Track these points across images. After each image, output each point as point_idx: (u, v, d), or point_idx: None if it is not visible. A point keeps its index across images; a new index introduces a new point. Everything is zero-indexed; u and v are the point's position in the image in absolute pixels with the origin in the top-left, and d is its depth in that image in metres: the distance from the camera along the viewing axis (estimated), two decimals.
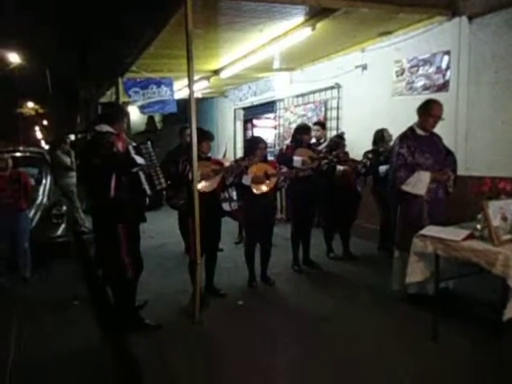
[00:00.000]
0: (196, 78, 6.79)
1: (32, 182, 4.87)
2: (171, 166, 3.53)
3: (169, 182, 3.15)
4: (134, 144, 3.14)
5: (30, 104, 20.12)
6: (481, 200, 2.60)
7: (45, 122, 25.23)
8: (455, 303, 3.29)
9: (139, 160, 2.98)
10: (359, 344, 2.86)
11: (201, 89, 7.90)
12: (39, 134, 28.02)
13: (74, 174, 6.78)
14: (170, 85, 6.41)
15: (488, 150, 4.33)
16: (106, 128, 3.04)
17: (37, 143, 24.23)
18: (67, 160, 6.76)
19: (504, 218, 2.57)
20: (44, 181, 5.79)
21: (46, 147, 16.67)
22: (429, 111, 3.38)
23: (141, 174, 3.02)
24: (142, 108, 6.41)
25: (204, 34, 4.57)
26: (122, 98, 6.20)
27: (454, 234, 2.74)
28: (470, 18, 4.40)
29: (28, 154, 6.37)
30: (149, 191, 3.05)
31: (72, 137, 14.39)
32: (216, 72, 6.71)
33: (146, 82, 6.24)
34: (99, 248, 3.27)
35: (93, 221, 3.21)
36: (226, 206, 4.73)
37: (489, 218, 2.52)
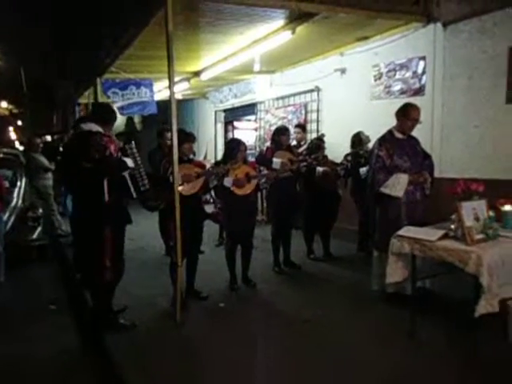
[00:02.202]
0: (176, 79, 6.74)
1: (6, 184, 4.74)
2: (152, 167, 3.50)
3: (148, 187, 3.10)
4: (120, 144, 3.09)
5: (4, 104, 19.53)
6: (455, 201, 2.69)
7: (19, 123, 24.54)
8: (431, 301, 3.38)
9: (129, 163, 2.94)
10: (340, 344, 2.90)
11: (181, 90, 7.86)
12: (13, 135, 27.23)
13: (50, 175, 6.62)
14: (149, 86, 6.36)
15: (461, 153, 4.48)
16: (96, 127, 2.95)
17: (11, 144, 23.53)
18: (44, 161, 6.60)
19: (476, 219, 2.66)
20: (19, 183, 5.63)
21: (21, 148, 16.20)
22: (407, 115, 3.46)
23: (127, 175, 2.98)
24: (121, 109, 6.32)
25: (184, 36, 4.56)
26: (101, 99, 6.10)
27: (429, 234, 2.81)
28: (445, 25, 4.56)
29: (2, 156, 6.19)
30: (134, 194, 3.02)
31: (48, 137, 14.05)
32: (197, 73, 6.69)
33: (126, 83, 6.17)
34: (80, 251, 3.20)
35: (77, 223, 3.12)
36: (208, 209, 4.73)
37: (462, 218, 2.61)
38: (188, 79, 7.00)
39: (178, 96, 8.36)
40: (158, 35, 3.99)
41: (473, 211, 2.67)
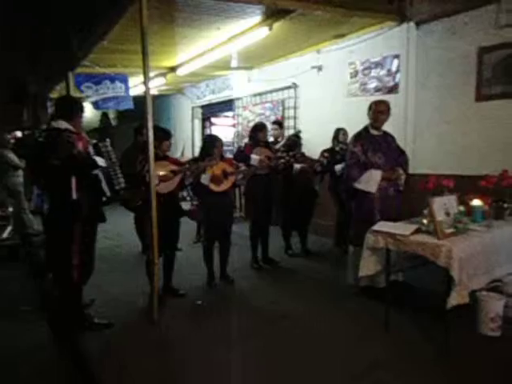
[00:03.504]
0: (152, 74, 6.66)
1: None
2: (128, 166, 3.43)
3: (123, 185, 3.05)
4: (94, 142, 3.02)
5: None
6: (427, 196, 2.77)
7: None
8: (405, 294, 3.48)
9: (100, 162, 2.87)
10: (317, 337, 2.95)
11: (157, 86, 7.74)
12: None
13: (21, 173, 6.40)
14: (124, 81, 6.23)
15: (433, 150, 4.61)
16: (64, 125, 2.88)
17: None
18: (14, 158, 6.37)
19: (447, 213, 2.75)
20: None
21: None
22: (374, 109, 3.56)
23: (100, 174, 2.91)
24: (95, 104, 6.18)
25: (160, 30, 4.48)
26: (74, 93, 5.93)
27: (403, 228, 2.89)
28: (417, 24, 4.65)
29: None
30: (108, 192, 2.96)
31: (18, 133, 13.55)
32: (173, 69, 6.60)
33: (100, 78, 6.03)
34: (50, 249, 3.12)
35: (46, 221, 3.05)
36: (185, 206, 4.69)
37: (433, 213, 2.68)
38: (164, 74, 6.89)
39: (154, 91, 8.23)
40: (132, 29, 3.91)
41: (444, 206, 2.75)
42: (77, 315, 3.07)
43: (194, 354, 2.78)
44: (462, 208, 2.91)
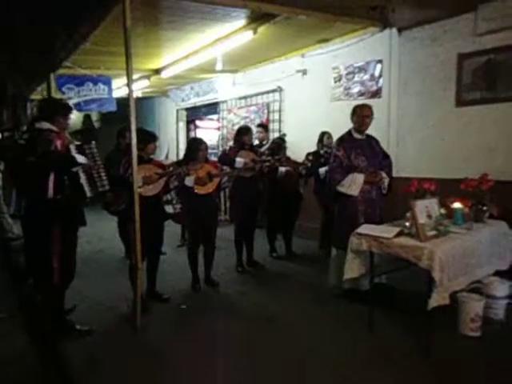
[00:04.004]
0: (136, 76, 6.59)
1: None
2: (111, 168, 3.39)
3: (108, 188, 3.00)
4: (78, 143, 2.97)
5: None
6: (409, 199, 2.81)
7: None
8: (388, 296, 3.52)
9: (80, 159, 2.82)
10: (302, 340, 2.95)
11: (141, 88, 7.66)
12: None
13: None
14: (107, 83, 6.16)
15: (416, 154, 4.69)
16: (46, 125, 2.84)
17: None
18: None
19: (429, 216, 2.80)
20: None
21: None
22: (358, 113, 3.59)
23: (82, 174, 2.87)
24: (77, 106, 6.07)
25: (144, 32, 4.44)
26: (55, 95, 5.82)
27: (386, 231, 2.92)
28: (400, 31, 4.75)
29: None
30: (89, 193, 2.91)
31: None
32: (157, 71, 6.55)
33: (82, 79, 5.95)
34: (29, 253, 3.04)
35: (24, 223, 2.98)
36: (168, 209, 4.64)
37: (416, 216, 2.73)
38: (148, 77, 6.84)
39: (138, 94, 8.15)
40: (115, 31, 3.86)
41: (425, 209, 2.80)
42: (57, 321, 3.00)
43: (179, 359, 2.75)
44: (443, 211, 2.97)
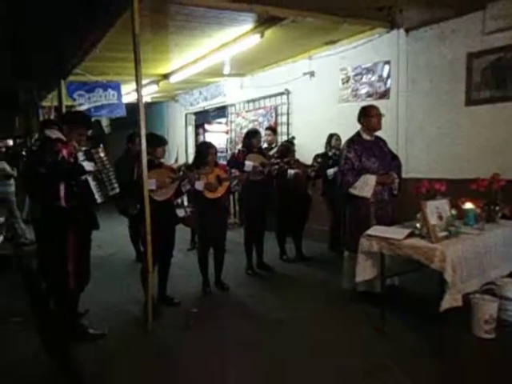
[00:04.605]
0: (145, 82, 6.66)
1: None
2: (122, 173, 3.43)
3: (118, 190, 3.04)
4: (84, 148, 3.01)
5: None
6: (419, 200, 2.79)
7: None
8: (400, 298, 3.49)
9: (88, 167, 2.87)
10: (314, 343, 2.94)
11: (150, 93, 7.74)
12: None
13: (13, 181, 6.35)
14: (117, 88, 6.23)
15: (425, 154, 4.65)
16: (56, 134, 2.90)
17: None
18: (6, 166, 6.32)
19: (440, 217, 2.77)
20: None
21: None
22: (368, 114, 3.58)
23: (90, 180, 2.91)
24: (88, 112, 6.16)
25: (152, 38, 4.50)
26: (66, 102, 5.92)
27: (396, 233, 2.90)
28: (407, 31, 4.73)
29: None
30: (99, 199, 2.94)
31: (10, 142, 13.44)
32: (166, 76, 6.61)
33: (92, 86, 6.03)
34: (43, 258, 3.10)
35: (38, 229, 3.03)
36: (180, 213, 4.67)
37: (426, 217, 2.71)
38: (157, 82, 6.90)
39: (147, 99, 8.23)
40: (124, 37, 3.91)
41: (436, 210, 2.78)
42: (71, 325, 3.04)
43: (190, 362, 2.76)
44: (454, 211, 2.94)
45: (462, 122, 4.30)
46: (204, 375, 2.59)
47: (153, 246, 3.13)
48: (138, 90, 3.09)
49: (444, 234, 2.75)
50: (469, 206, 3.08)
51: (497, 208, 3.18)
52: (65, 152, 2.84)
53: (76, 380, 2.60)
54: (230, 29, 4.39)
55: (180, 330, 3.26)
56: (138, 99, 3.08)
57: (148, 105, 8.62)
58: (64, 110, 5.66)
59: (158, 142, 3.58)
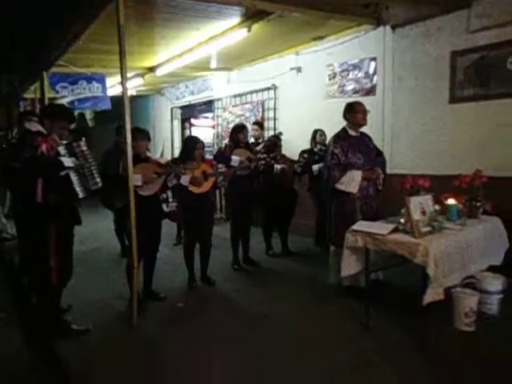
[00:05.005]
0: (130, 74, 6.56)
1: None
2: (110, 167, 3.37)
3: (100, 185, 2.99)
4: (65, 142, 2.95)
5: None
6: (403, 196, 2.83)
7: None
8: (385, 292, 3.54)
9: (67, 162, 2.80)
10: (298, 338, 2.96)
11: (135, 86, 7.63)
12: None
13: None
14: (102, 81, 6.13)
15: (410, 151, 4.72)
16: (36, 127, 2.81)
17: None
18: None
19: (423, 212, 2.82)
20: None
21: None
22: (353, 110, 3.62)
23: (72, 175, 2.85)
24: (71, 104, 6.04)
25: (138, 30, 4.42)
26: (48, 94, 5.79)
27: (381, 228, 2.94)
28: (393, 28, 4.76)
29: None
30: (81, 193, 2.89)
31: None
32: (151, 69, 6.53)
33: (76, 78, 5.91)
34: (25, 253, 3.04)
35: (20, 224, 2.97)
36: (164, 208, 4.63)
37: (410, 212, 2.75)
38: (142, 75, 6.81)
39: (132, 92, 8.11)
40: (109, 29, 3.84)
41: (420, 205, 2.82)
42: (54, 321, 3.00)
43: (175, 356, 2.75)
44: (437, 207, 2.99)
45: (447, 119, 4.37)
46: (189, 370, 2.59)
47: (138, 241, 3.10)
48: (122, 83, 3.04)
49: (427, 229, 2.80)
50: (451, 201, 3.14)
51: (478, 204, 3.24)
52: (44, 147, 2.77)
53: (59, 376, 2.57)
54: (217, 22, 4.35)
55: (165, 324, 3.25)
56: (122, 92, 3.03)
57: (133, 98, 8.49)
58: (47, 102, 5.53)
59: (140, 135, 3.52)
